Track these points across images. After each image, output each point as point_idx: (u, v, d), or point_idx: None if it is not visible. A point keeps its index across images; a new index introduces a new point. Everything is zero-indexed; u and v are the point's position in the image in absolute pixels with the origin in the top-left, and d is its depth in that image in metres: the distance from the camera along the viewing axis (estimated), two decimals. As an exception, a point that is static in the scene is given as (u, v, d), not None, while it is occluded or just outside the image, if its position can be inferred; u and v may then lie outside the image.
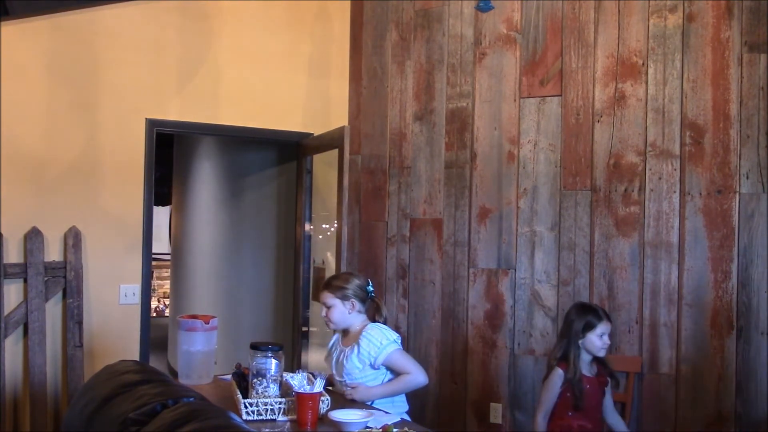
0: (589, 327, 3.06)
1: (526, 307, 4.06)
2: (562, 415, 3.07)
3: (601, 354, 3.09)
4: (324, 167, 4.63)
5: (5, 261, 3.83)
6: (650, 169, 3.79)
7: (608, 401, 3.19)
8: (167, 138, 7.06)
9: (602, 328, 3.07)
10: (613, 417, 3.22)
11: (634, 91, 3.84)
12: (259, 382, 2.67)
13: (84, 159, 4.05)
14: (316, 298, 4.73)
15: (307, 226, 4.80)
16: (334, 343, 3.15)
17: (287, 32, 4.63)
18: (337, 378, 3.00)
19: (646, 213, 3.79)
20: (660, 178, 3.76)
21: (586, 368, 3.09)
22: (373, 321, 3.04)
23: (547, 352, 3.97)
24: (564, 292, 3.96)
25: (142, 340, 4.18)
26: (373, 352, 2.90)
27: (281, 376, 2.71)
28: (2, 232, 3.83)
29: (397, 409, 2.93)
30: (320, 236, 4.76)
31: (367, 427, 2.43)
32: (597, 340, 3.06)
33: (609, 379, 3.16)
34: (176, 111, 4.30)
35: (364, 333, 2.94)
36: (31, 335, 3.86)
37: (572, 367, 3.03)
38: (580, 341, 3.06)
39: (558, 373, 3.06)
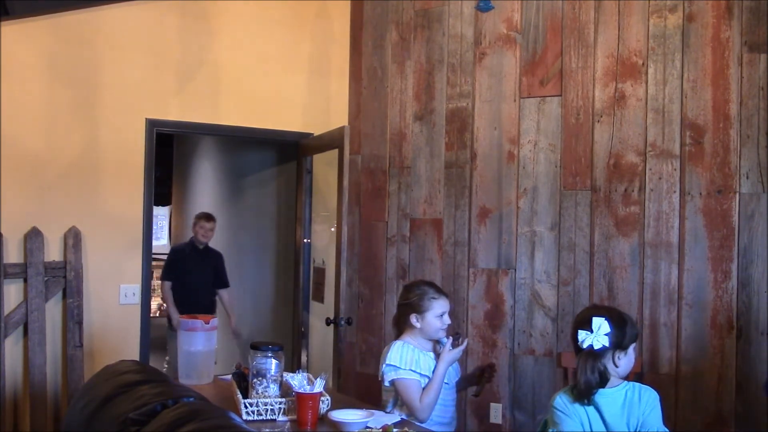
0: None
1: (526, 307, 4.06)
2: None
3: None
4: (324, 167, 4.63)
5: (5, 261, 3.83)
6: (650, 169, 3.79)
7: None
8: (167, 138, 7.06)
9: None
10: None
11: (634, 91, 3.84)
12: (259, 382, 2.67)
13: (84, 159, 4.05)
14: (316, 298, 4.73)
15: (308, 226, 4.80)
16: (424, 355, 2.93)
17: (287, 32, 4.62)
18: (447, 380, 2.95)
19: (646, 213, 3.79)
20: (660, 178, 3.76)
21: None
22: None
23: (547, 352, 3.97)
24: (564, 292, 3.96)
25: (142, 340, 4.18)
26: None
27: (281, 376, 2.71)
28: (2, 232, 3.83)
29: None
30: (320, 236, 4.76)
31: (367, 427, 2.43)
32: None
33: None
34: (176, 111, 4.30)
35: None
36: (31, 335, 3.86)
37: None
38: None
39: None
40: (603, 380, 2.35)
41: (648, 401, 2.36)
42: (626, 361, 2.41)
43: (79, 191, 4.03)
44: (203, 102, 4.37)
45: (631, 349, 2.43)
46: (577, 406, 2.38)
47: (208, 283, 5.38)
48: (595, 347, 2.34)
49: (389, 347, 2.91)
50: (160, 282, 5.43)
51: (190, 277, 5.26)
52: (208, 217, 5.39)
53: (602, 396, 2.36)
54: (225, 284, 5.46)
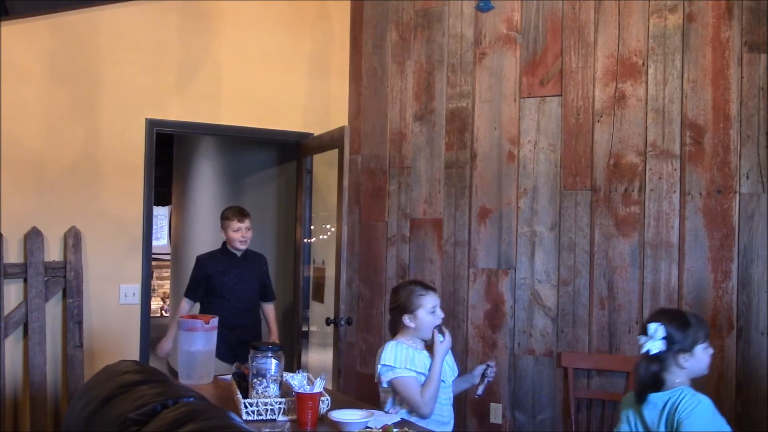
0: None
1: (526, 307, 4.06)
2: None
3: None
4: (324, 167, 4.63)
5: (5, 261, 3.83)
6: (650, 169, 3.79)
7: None
8: (167, 138, 7.07)
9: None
10: None
11: (634, 91, 3.84)
12: (259, 382, 2.67)
13: (84, 159, 4.05)
14: (316, 298, 4.73)
15: (308, 226, 4.80)
16: (418, 353, 2.90)
17: (287, 32, 4.63)
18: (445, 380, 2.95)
19: (646, 213, 3.79)
20: (660, 178, 3.76)
21: None
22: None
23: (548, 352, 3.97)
24: (564, 292, 3.96)
25: (142, 340, 4.18)
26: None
27: (281, 376, 2.71)
28: (2, 232, 3.83)
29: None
30: (320, 236, 4.76)
31: (367, 427, 2.43)
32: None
33: None
34: (176, 111, 4.30)
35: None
36: (31, 335, 3.86)
37: None
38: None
39: None
40: (657, 383, 2.43)
41: (688, 406, 2.37)
42: (693, 361, 2.46)
43: (79, 191, 4.03)
44: (203, 102, 4.37)
45: (698, 350, 2.47)
46: (628, 407, 2.51)
47: (254, 299, 4.16)
48: (652, 352, 2.42)
49: (383, 348, 2.91)
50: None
51: (229, 294, 4.06)
52: (241, 214, 4.08)
53: (647, 400, 2.44)
54: (272, 296, 4.28)
